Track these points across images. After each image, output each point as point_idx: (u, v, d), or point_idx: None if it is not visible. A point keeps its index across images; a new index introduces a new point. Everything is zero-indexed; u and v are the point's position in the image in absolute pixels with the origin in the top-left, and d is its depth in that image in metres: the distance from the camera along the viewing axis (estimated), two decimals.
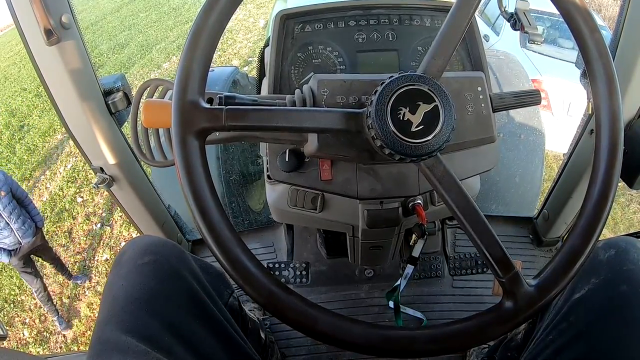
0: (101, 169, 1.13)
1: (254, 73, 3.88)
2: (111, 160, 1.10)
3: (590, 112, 1.24)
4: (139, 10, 10.62)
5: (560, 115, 4.00)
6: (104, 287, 0.72)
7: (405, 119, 0.55)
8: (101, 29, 9.70)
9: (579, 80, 1.15)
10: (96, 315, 3.25)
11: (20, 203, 3.15)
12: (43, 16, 0.87)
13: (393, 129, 0.55)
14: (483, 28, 5.34)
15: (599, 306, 0.73)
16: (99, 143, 1.08)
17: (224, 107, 0.55)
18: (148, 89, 0.83)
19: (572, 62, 4.01)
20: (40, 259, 3.56)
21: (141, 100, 0.89)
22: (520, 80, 2.25)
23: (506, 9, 1.05)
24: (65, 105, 1.03)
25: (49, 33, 0.88)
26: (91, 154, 1.12)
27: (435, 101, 0.56)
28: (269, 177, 0.81)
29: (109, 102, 1.07)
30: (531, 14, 1.00)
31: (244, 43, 7.59)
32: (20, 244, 3.16)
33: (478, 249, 0.58)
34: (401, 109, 0.55)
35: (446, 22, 0.60)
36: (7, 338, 3.57)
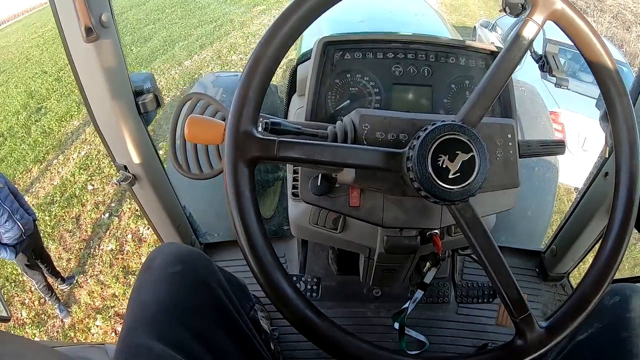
0: (125, 167, 1.15)
1: (277, 81, 3.92)
2: (136, 159, 1.12)
3: (606, 155, 1.25)
4: (165, 6, 10.73)
5: (575, 149, 4.00)
6: (132, 291, 0.73)
7: (444, 166, 0.58)
8: (126, 21, 9.81)
9: (599, 122, 1.16)
10: (96, 304, 3.27)
11: (15, 196, 3.17)
12: (85, 14, 0.88)
13: (432, 174, 0.58)
14: None
15: (600, 350, 0.77)
16: (125, 141, 1.09)
17: (276, 138, 0.59)
18: (189, 102, 0.85)
19: (591, 97, 4.02)
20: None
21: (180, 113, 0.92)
22: (539, 113, 2.25)
23: (535, 50, 1.07)
24: (96, 102, 1.05)
25: (88, 31, 0.90)
26: (117, 151, 1.14)
27: (472, 151, 0.59)
28: (294, 194, 0.83)
29: (139, 102, 1.09)
30: (558, 47, 1.03)
31: None
32: (23, 237, 3.17)
33: (496, 288, 0.62)
34: (441, 157, 0.59)
35: (488, 74, 0.64)
36: (10, 319, 3.61)
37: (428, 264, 0.88)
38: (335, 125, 0.74)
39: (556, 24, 0.68)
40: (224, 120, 0.70)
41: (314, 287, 1.23)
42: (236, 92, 0.59)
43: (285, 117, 1.17)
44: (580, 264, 1.53)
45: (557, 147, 0.80)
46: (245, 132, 0.58)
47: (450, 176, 0.58)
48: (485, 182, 0.69)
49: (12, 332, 3.53)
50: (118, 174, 1.17)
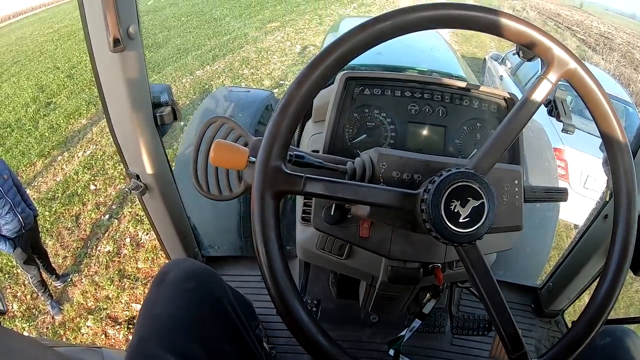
0: (137, 176, 1.17)
1: None
2: (149, 169, 1.15)
3: (607, 199, 1.28)
4: (182, 14, 10.92)
5: (577, 187, 4.03)
6: (143, 303, 0.76)
7: (456, 210, 0.62)
8: (142, 25, 9.90)
9: (602, 165, 1.19)
10: (88, 304, 3.25)
11: (18, 190, 3.19)
12: (114, 25, 0.92)
13: (444, 217, 0.62)
14: (513, 89, 5.40)
15: None
16: (140, 151, 1.12)
17: (303, 175, 0.63)
18: (214, 124, 0.89)
19: (595, 136, 4.02)
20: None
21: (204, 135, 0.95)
22: (544, 150, 2.28)
23: None
24: (115, 110, 1.08)
25: (116, 42, 0.93)
26: (130, 160, 1.16)
27: (483, 198, 0.63)
28: (304, 218, 0.86)
29: (157, 114, 1.12)
30: (561, 83, 1.06)
31: (277, 65, 7.75)
32: (22, 230, 3.18)
33: (495, 325, 0.66)
34: (453, 202, 0.62)
35: (502, 126, 0.68)
36: (6, 313, 3.58)
37: (428, 295, 0.91)
38: (355, 161, 0.79)
39: (569, 82, 0.72)
40: (246, 145, 0.74)
41: (314, 309, 1.25)
42: (268, 128, 0.63)
43: (298, 141, 1.20)
44: (576, 302, 1.54)
45: (560, 194, 0.86)
46: (275, 167, 0.62)
47: (460, 220, 0.62)
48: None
49: (3, 325, 3.50)
50: (129, 182, 1.20)
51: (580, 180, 4.04)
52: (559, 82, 0.84)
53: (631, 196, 0.73)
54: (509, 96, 1.04)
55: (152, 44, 8.82)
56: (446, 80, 1.04)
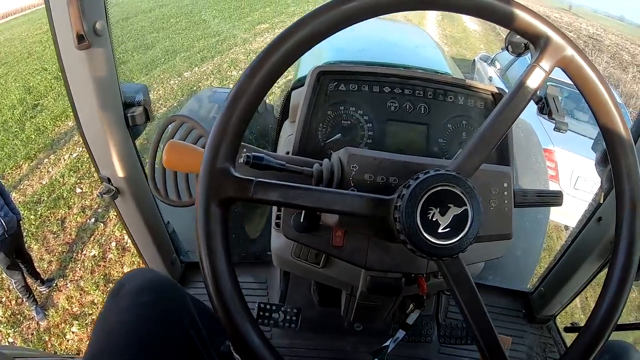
0: (108, 179, 1.12)
1: (270, 99, 3.89)
2: (120, 172, 1.10)
3: (601, 200, 1.24)
4: (171, 16, 10.83)
5: (567, 188, 4.02)
6: (98, 316, 0.71)
7: (434, 219, 0.55)
8: (130, 26, 9.87)
9: (595, 165, 1.15)
10: (73, 309, 3.20)
11: (1, 194, 3.12)
12: (77, 20, 0.86)
13: (420, 228, 0.55)
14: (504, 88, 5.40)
15: None
16: (110, 153, 1.07)
17: (254, 179, 0.55)
18: (172, 124, 0.82)
19: (586, 136, 4.05)
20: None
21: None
22: (534, 151, 2.25)
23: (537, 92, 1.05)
24: (84, 110, 1.02)
25: (80, 38, 0.88)
26: (101, 162, 1.11)
27: (466, 205, 0.56)
28: (277, 224, 0.80)
29: (128, 115, 1.07)
30: (551, 84, 1.00)
31: None
32: (5, 235, 3.10)
33: (479, 349, 0.58)
34: (431, 209, 0.55)
35: (488, 121, 0.60)
36: None
37: (411, 305, 0.85)
38: (322, 163, 0.71)
39: (564, 71, 0.64)
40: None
41: (293, 318, 1.19)
42: (214, 126, 0.55)
43: (276, 143, 1.14)
44: (568, 307, 1.51)
45: (555, 198, 0.77)
46: (222, 170, 0.55)
47: (439, 230, 0.55)
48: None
49: None
50: (101, 185, 1.14)
51: (571, 181, 4.03)
52: (552, 80, 0.79)
53: (636, 197, 0.63)
54: (497, 91, 0.97)
55: (141, 45, 8.73)
56: (429, 75, 0.97)
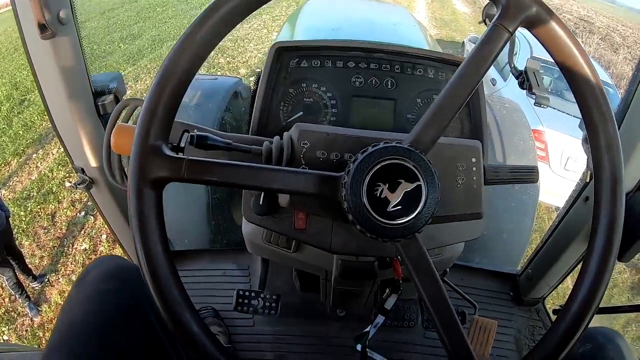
0: (82, 169, 1.10)
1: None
2: (93, 162, 1.08)
3: (587, 179, 1.22)
4: (157, 4, 10.65)
5: (557, 169, 4.00)
6: (63, 304, 0.68)
7: (383, 196, 0.51)
8: (116, 17, 9.70)
9: (581, 144, 1.13)
10: None
11: None
12: (38, 10, 0.83)
13: (367, 206, 0.50)
14: (491, 72, 5.37)
15: None
16: (82, 144, 1.05)
17: (185, 157, 0.51)
18: (126, 108, 0.79)
19: (576, 117, 4.04)
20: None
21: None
22: (521, 130, 2.24)
23: (516, 65, 1.02)
24: (53, 101, 1.00)
25: (42, 27, 0.85)
26: (74, 153, 1.09)
27: (418, 180, 0.51)
28: None
29: (99, 103, 1.04)
30: (541, 64, 0.97)
31: (254, 53, 7.61)
32: None
33: (442, 343, 0.53)
34: (379, 185, 0.51)
35: (446, 89, 0.55)
36: None
37: (388, 290, 0.82)
38: (273, 141, 0.67)
39: (530, 31, 0.59)
40: None
41: (273, 305, 1.16)
42: (144, 104, 0.52)
43: (249, 124, 1.12)
44: (558, 288, 1.50)
45: (529, 174, 0.71)
46: (153, 148, 0.51)
47: (389, 209, 0.51)
48: (443, 210, 0.63)
49: None
50: (76, 176, 1.13)
51: (561, 162, 4.01)
52: (537, 57, 0.75)
53: (617, 172, 0.58)
54: None
55: (127, 35, 8.60)
56: (395, 47, 0.92)
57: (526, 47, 4.89)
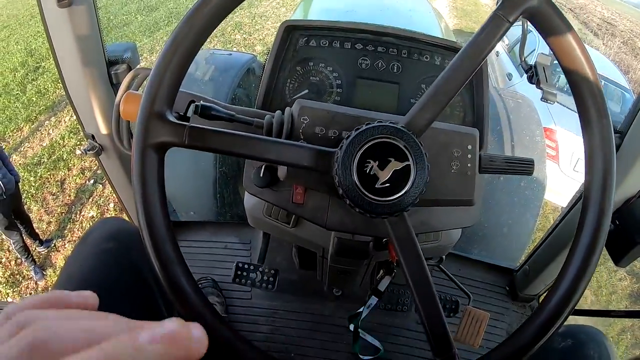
0: (92, 136, 1.12)
1: None
2: (103, 130, 1.10)
3: None
4: None
5: (567, 169, 3.96)
6: (66, 260, 0.71)
7: (372, 173, 0.52)
8: None
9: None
10: None
11: (0, 156, 3.14)
12: None
13: (356, 181, 0.52)
14: (508, 66, 5.31)
15: None
16: (94, 111, 1.07)
17: (187, 124, 0.54)
18: (137, 78, 0.81)
19: None
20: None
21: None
22: (532, 127, 2.22)
23: (526, 59, 1.02)
24: (68, 69, 1.02)
25: None
26: (85, 120, 1.11)
27: (408, 160, 0.53)
28: None
29: (112, 72, 1.07)
30: (555, 61, 0.97)
31: (271, 31, 7.54)
32: (3, 196, 3.13)
33: (421, 320, 0.56)
34: (369, 162, 0.52)
35: (442, 75, 0.57)
36: None
37: (381, 271, 0.84)
38: (274, 115, 0.69)
39: (531, 22, 0.59)
40: None
41: (270, 279, 1.18)
42: (152, 71, 0.54)
43: None
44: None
45: (525, 166, 0.71)
46: (158, 114, 0.53)
47: (377, 186, 0.52)
48: (435, 194, 0.64)
49: None
50: (85, 142, 1.15)
51: (571, 162, 3.96)
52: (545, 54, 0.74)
53: (607, 177, 0.58)
54: None
55: (145, 7, 8.56)
56: (403, 32, 0.92)
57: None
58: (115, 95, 1.09)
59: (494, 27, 0.56)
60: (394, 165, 0.53)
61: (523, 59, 1.00)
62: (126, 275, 0.70)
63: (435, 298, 0.55)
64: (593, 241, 0.57)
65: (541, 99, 0.94)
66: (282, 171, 0.66)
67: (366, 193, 0.52)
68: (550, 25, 0.58)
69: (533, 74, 0.94)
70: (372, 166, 0.52)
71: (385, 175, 0.52)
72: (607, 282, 3.96)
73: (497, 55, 5.69)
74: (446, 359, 0.55)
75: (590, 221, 0.58)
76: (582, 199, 0.61)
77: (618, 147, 1.06)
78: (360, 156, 0.53)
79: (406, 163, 0.53)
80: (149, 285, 0.72)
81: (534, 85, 0.94)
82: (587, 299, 3.87)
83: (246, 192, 0.91)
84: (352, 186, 0.53)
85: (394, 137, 0.53)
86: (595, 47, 10.07)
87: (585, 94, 0.59)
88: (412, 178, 0.53)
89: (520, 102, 2.32)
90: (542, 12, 0.57)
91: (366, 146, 0.53)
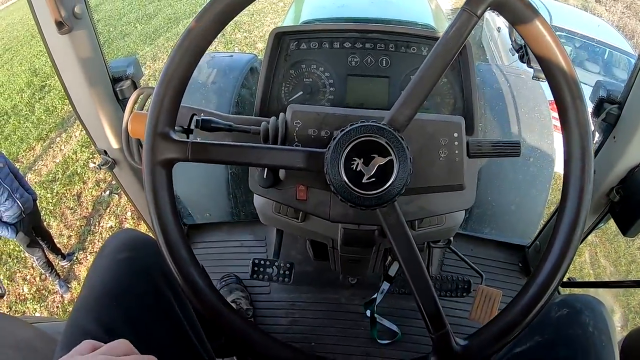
0: (105, 151, 1.17)
1: None
2: (114, 144, 1.14)
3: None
4: None
5: None
6: (86, 274, 0.76)
7: (358, 170, 0.56)
8: None
9: (590, 116, 1.14)
10: None
11: (15, 176, 3.22)
12: (54, 8, 0.90)
13: (344, 178, 0.56)
14: (508, 42, 5.25)
15: None
16: (104, 127, 1.12)
17: (188, 141, 0.59)
18: (141, 96, 0.86)
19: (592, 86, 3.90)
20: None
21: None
22: (537, 101, 2.21)
23: (516, 39, 1.04)
24: (75, 90, 1.07)
25: (59, 24, 0.92)
26: (96, 136, 1.16)
27: (390, 155, 0.57)
28: None
29: (117, 89, 1.11)
30: (561, 34, 0.98)
31: (271, 26, 7.48)
32: (23, 215, 3.22)
33: (414, 299, 0.59)
34: (355, 160, 0.56)
35: (420, 70, 0.59)
36: (5, 295, 3.62)
37: (389, 257, 0.88)
38: (269, 121, 0.74)
39: (499, 13, 0.61)
40: None
41: (286, 272, 1.22)
42: (153, 96, 0.60)
43: None
44: (577, 264, 1.50)
45: (512, 148, 0.74)
46: (162, 135, 0.59)
47: (364, 181, 0.56)
48: (426, 181, 0.68)
49: (15, 307, 3.62)
50: (99, 158, 1.20)
51: None
52: None
53: (586, 163, 0.59)
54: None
55: (143, 15, 8.58)
56: (388, 27, 0.95)
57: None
58: (123, 111, 1.14)
59: (463, 23, 0.59)
60: (378, 160, 0.56)
61: (513, 39, 1.02)
62: (139, 280, 0.75)
63: (427, 277, 0.59)
64: (576, 211, 0.59)
65: (532, 77, 0.96)
66: (282, 172, 0.71)
67: (354, 188, 0.56)
68: (517, 14, 0.60)
69: (523, 53, 0.96)
70: (358, 163, 0.56)
71: (370, 170, 0.56)
72: (626, 252, 3.93)
73: (499, 31, 5.63)
74: (440, 336, 0.58)
75: (572, 193, 0.60)
76: (563, 177, 0.62)
77: (617, 118, 1.07)
78: (346, 155, 0.57)
79: (389, 158, 0.57)
80: (159, 287, 0.77)
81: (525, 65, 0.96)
82: (607, 270, 3.85)
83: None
84: (341, 183, 0.57)
85: (375, 135, 0.57)
86: (598, 14, 9.86)
87: (559, 80, 0.60)
88: (395, 171, 0.56)
89: (523, 78, 2.31)
90: (507, 3, 0.59)
91: (351, 145, 0.57)
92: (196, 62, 0.61)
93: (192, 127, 0.72)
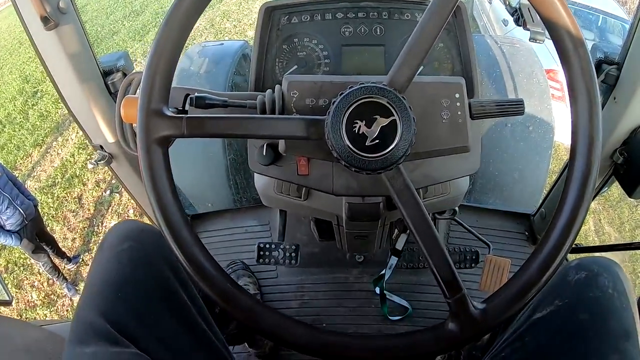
0: (101, 147, 1.15)
1: None
2: (110, 138, 1.13)
3: None
4: None
5: None
6: (89, 269, 0.75)
7: (361, 132, 0.55)
8: None
9: None
10: None
11: (14, 184, 3.20)
12: (39, 4, 0.88)
13: (347, 142, 0.55)
14: (503, 12, 5.21)
15: (554, 331, 0.69)
16: (98, 122, 1.10)
17: (184, 115, 0.57)
18: (133, 81, 0.84)
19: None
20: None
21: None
22: (533, 70, 2.19)
23: (510, 2, 1.02)
24: (65, 86, 1.05)
25: (45, 20, 0.90)
26: (91, 132, 1.14)
27: (393, 115, 0.55)
28: None
29: (109, 82, 1.09)
30: None
31: None
32: (25, 222, 3.22)
33: (428, 265, 0.57)
34: (357, 122, 0.55)
35: (416, 29, 0.58)
36: (12, 301, 3.65)
37: (396, 230, 0.86)
38: (266, 94, 0.72)
39: None
40: None
41: (292, 254, 1.21)
42: (143, 76, 0.57)
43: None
44: (581, 231, 1.50)
45: (515, 107, 0.71)
46: (155, 111, 0.57)
47: (367, 143, 0.54)
48: (430, 145, 0.66)
49: (25, 314, 3.63)
50: (95, 154, 1.18)
51: None
52: None
53: (593, 113, 0.58)
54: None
55: (130, 12, 8.52)
56: None
57: None
58: (115, 103, 1.12)
59: None
60: (381, 121, 0.54)
61: (507, 2, 1.01)
62: (142, 270, 0.72)
63: (439, 241, 0.57)
64: (586, 170, 0.58)
65: (529, 40, 0.94)
66: (282, 146, 0.69)
67: (358, 152, 0.54)
68: None
69: (519, 16, 0.94)
70: (360, 126, 0.55)
71: (373, 132, 0.54)
72: (630, 217, 3.94)
73: (491, 3, 5.56)
74: (457, 300, 0.57)
75: (582, 152, 0.58)
76: (571, 131, 0.61)
77: (617, 79, 1.06)
78: (347, 118, 0.55)
79: (392, 118, 0.55)
80: (165, 275, 0.74)
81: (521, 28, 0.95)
82: (611, 237, 3.86)
83: (255, 174, 0.94)
84: (344, 147, 0.55)
85: (376, 96, 0.55)
86: None
87: (559, 28, 0.59)
88: (399, 131, 0.55)
89: (517, 47, 2.29)
90: None
91: (352, 108, 0.55)
92: (186, 35, 0.59)
93: (187, 106, 0.70)
